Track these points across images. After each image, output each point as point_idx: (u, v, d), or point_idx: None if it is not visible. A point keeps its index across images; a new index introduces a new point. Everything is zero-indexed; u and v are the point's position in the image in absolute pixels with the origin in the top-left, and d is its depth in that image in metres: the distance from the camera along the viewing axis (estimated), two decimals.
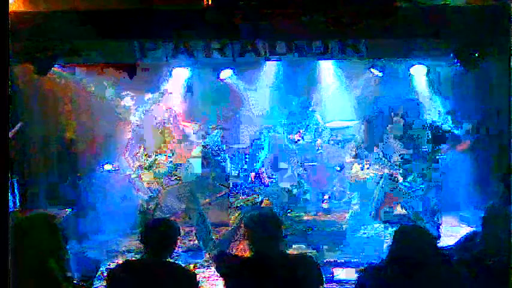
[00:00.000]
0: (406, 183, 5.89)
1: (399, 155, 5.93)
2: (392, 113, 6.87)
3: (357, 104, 8.18)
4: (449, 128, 6.01)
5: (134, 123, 7.87)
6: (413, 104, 7.51)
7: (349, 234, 6.55)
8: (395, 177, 5.97)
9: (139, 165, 7.01)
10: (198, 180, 7.61)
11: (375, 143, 6.77)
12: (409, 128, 6.22)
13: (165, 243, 3.31)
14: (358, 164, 6.86)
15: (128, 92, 7.92)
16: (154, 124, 7.88)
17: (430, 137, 6.24)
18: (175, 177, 6.60)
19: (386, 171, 6.33)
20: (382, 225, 6.61)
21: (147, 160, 6.92)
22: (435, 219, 5.68)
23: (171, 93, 8.07)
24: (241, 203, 6.58)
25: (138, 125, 7.86)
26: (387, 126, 6.37)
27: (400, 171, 5.98)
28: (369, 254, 6.02)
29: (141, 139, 7.63)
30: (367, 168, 6.36)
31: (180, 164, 6.85)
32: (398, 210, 6.32)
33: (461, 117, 7.68)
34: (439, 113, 7.29)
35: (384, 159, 5.97)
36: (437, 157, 5.96)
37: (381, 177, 6.36)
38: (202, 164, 7.81)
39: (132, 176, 6.69)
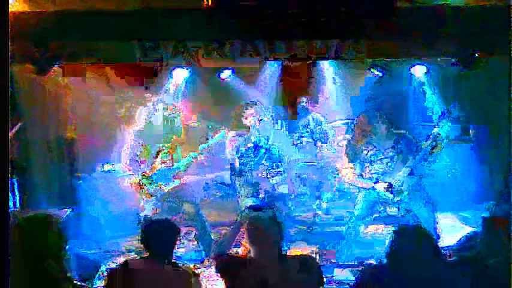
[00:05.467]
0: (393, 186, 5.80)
1: (384, 157, 5.86)
2: (377, 114, 6.81)
3: (356, 104, 8.18)
4: (439, 130, 5.91)
5: (134, 124, 7.85)
6: (403, 105, 7.47)
7: (348, 234, 6.53)
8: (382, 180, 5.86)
9: (139, 168, 6.99)
10: (197, 181, 7.60)
11: (363, 144, 6.69)
12: (393, 130, 6.08)
13: (164, 243, 3.31)
14: (351, 166, 6.76)
15: (129, 92, 7.91)
16: (155, 125, 7.86)
17: (415, 139, 6.15)
18: (175, 178, 6.58)
19: (370, 171, 6.26)
20: (383, 225, 6.61)
21: (147, 163, 6.90)
22: (431, 219, 5.62)
23: (171, 93, 8.06)
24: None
25: (139, 125, 7.84)
26: (371, 127, 6.20)
27: (386, 172, 5.88)
28: (369, 254, 6.01)
29: (141, 140, 7.60)
30: (363, 171, 6.26)
31: (180, 165, 6.82)
32: (389, 210, 6.26)
33: (461, 117, 7.66)
34: (441, 113, 7.26)
35: (370, 163, 5.91)
36: (425, 158, 5.88)
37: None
38: (203, 164, 7.79)
39: (132, 179, 6.68)
